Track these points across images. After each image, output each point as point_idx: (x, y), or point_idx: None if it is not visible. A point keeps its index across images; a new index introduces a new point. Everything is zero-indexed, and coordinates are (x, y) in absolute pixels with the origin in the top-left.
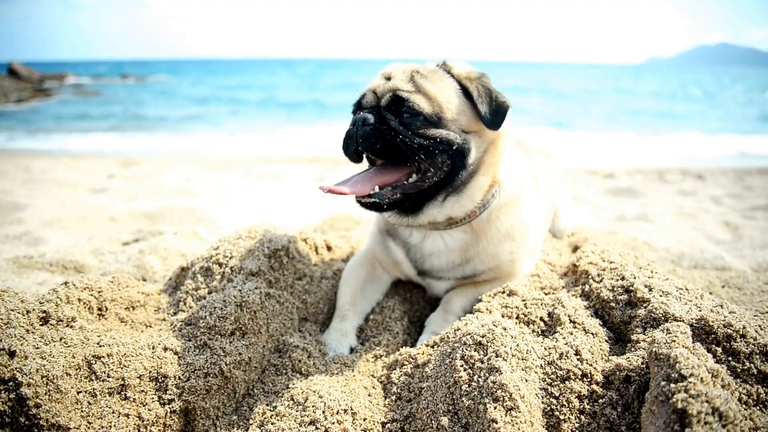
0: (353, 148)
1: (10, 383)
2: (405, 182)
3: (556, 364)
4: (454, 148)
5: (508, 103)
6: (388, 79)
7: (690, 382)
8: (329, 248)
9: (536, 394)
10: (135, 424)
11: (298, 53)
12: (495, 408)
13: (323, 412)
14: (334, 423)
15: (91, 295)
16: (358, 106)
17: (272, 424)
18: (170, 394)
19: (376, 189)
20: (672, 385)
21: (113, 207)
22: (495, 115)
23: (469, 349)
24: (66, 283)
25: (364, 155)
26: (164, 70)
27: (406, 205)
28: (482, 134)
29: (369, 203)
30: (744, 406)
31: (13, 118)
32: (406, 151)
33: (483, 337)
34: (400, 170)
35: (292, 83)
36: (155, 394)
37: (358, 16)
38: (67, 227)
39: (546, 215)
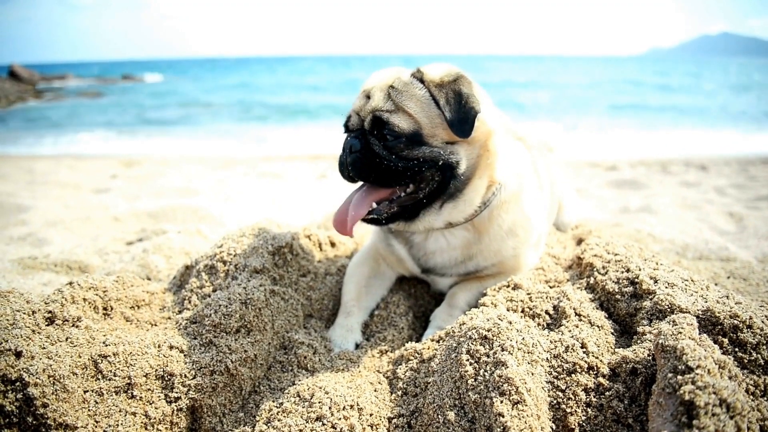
0: (346, 173)
1: (17, 383)
2: (401, 195)
3: (562, 357)
4: (440, 163)
5: (477, 108)
6: (369, 97)
7: (697, 374)
8: (333, 244)
9: (542, 388)
10: (142, 422)
11: (298, 50)
12: (501, 402)
13: (329, 408)
14: (340, 419)
15: (96, 294)
16: (346, 128)
17: (279, 420)
18: (177, 392)
19: (374, 205)
20: (679, 377)
21: (116, 207)
22: (462, 123)
23: (474, 343)
24: (71, 283)
25: None
26: (166, 69)
27: (405, 216)
28: (471, 140)
29: (368, 219)
30: (751, 397)
31: (13, 120)
32: (391, 176)
33: (488, 331)
34: (393, 187)
35: (292, 81)
36: (162, 393)
37: (361, 11)
38: (71, 228)
39: (549, 209)
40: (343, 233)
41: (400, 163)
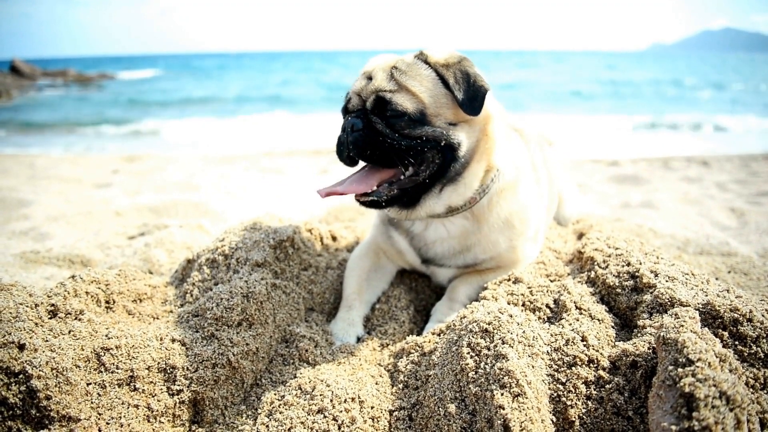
0: (346, 154)
1: (21, 376)
2: (401, 177)
3: (563, 351)
4: (443, 144)
5: (486, 87)
6: (370, 79)
7: (698, 367)
8: (334, 238)
9: (543, 381)
10: (144, 414)
11: (298, 46)
12: (502, 394)
13: (331, 400)
14: (341, 411)
15: (99, 288)
16: (346, 110)
17: (280, 413)
18: (179, 385)
19: (374, 187)
20: (680, 370)
21: (118, 202)
22: (472, 100)
23: (475, 336)
24: (73, 276)
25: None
26: (166, 65)
27: (404, 200)
28: (472, 123)
29: (368, 202)
30: (751, 389)
31: (12, 116)
32: (394, 155)
33: (489, 324)
34: (395, 167)
35: (292, 77)
36: (164, 385)
37: (364, 6)
38: (73, 222)
39: (548, 203)
40: (321, 195)
41: (403, 142)
